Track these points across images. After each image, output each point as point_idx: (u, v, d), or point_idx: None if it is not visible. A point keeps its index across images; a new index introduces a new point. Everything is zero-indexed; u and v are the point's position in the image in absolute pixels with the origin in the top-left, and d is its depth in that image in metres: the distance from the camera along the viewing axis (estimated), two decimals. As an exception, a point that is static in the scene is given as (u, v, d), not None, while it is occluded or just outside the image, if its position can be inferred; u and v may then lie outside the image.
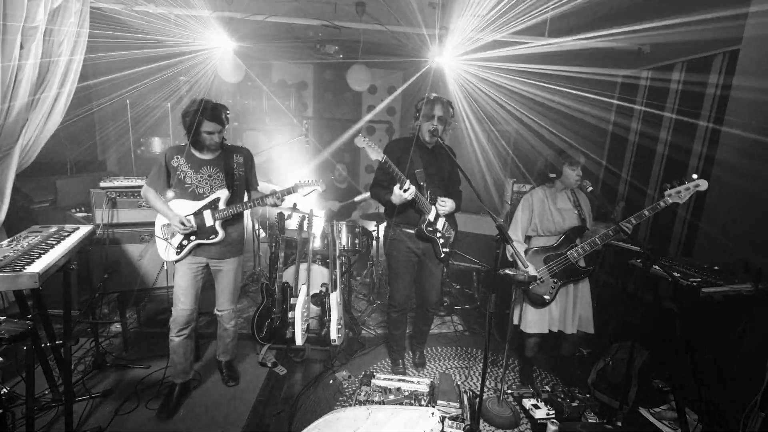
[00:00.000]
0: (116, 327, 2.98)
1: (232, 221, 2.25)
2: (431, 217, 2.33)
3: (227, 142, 2.23)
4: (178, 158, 2.11)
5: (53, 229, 2.12)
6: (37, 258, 1.66)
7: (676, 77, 3.08)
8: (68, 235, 2.02)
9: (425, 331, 2.75)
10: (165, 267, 2.41)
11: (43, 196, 3.13)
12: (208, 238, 2.16)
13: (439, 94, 2.35)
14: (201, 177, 2.13)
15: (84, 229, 2.16)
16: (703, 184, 2.05)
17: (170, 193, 2.16)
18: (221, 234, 2.17)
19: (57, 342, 2.03)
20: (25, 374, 1.84)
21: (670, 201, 2.08)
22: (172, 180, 2.14)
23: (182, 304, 2.18)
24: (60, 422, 2.02)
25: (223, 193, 2.15)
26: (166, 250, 2.18)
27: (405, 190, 2.16)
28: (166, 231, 2.18)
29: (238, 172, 2.22)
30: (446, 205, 2.36)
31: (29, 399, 1.84)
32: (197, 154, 2.14)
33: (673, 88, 3.11)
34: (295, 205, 3.60)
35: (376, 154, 2.16)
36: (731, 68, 2.59)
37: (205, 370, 2.58)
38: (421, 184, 2.31)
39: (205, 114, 1.98)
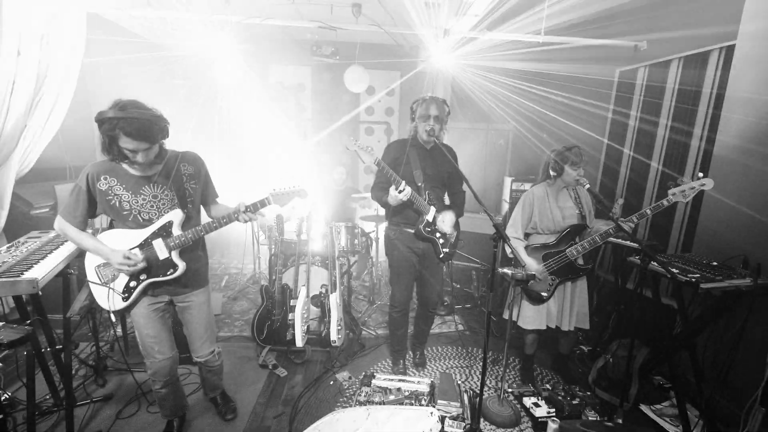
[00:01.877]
0: (117, 331, 2.98)
1: (193, 248, 1.81)
2: (429, 217, 2.33)
3: (169, 148, 1.73)
4: (107, 179, 1.60)
5: (52, 234, 2.13)
6: (36, 263, 1.67)
7: (673, 73, 3.08)
8: (67, 241, 2.02)
9: (426, 331, 2.75)
10: (112, 317, 1.75)
11: (43, 201, 3.13)
12: (165, 274, 1.72)
13: (434, 94, 2.35)
14: (143, 199, 1.66)
15: (83, 234, 2.16)
16: (709, 183, 2.05)
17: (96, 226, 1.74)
18: (181, 267, 1.73)
19: (57, 347, 2.04)
20: (26, 379, 1.86)
21: (674, 200, 2.08)
22: (100, 208, 1.66)
23: (159, 354, 1.80)
24: (61, 427, 2.03)
25: (176, 215, 1.70)
26: (109, 297, 1.70)
27: (400, 191, 2.15)
28: (105, 273, 1.70)
29: (189, 186, 1.77)
30: (446, 221, 2.38)
31: (30, 404, 1.85)
32: (131, 170, 1.64)
33: (670, 83, 3.11)
34: (290, 209, 3.62)
35: (368, 158, 2.11)
36: (728, 63, 2.59)
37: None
38: (419, 184, 2.31)
39: (121, 126, 1.45)
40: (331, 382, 2.56)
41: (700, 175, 2.06)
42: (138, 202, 1.66)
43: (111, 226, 1.73)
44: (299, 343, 2.69)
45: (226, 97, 4.91)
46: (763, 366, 1.89)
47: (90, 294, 1.76)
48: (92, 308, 2.58)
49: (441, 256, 2.42)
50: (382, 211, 3.71)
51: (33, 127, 2.64)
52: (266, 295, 2.88)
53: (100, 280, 1.71)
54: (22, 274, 1.55)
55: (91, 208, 1.65)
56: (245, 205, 1.77)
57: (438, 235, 2.39)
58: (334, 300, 2.76)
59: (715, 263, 2.17)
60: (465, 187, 2.40)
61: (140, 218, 1.67)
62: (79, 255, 2.22)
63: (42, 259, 1.73)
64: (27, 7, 2.39)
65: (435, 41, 3.62)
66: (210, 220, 1.80)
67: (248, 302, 3.76)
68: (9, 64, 2.36)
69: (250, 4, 3.51)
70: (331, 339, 2.72)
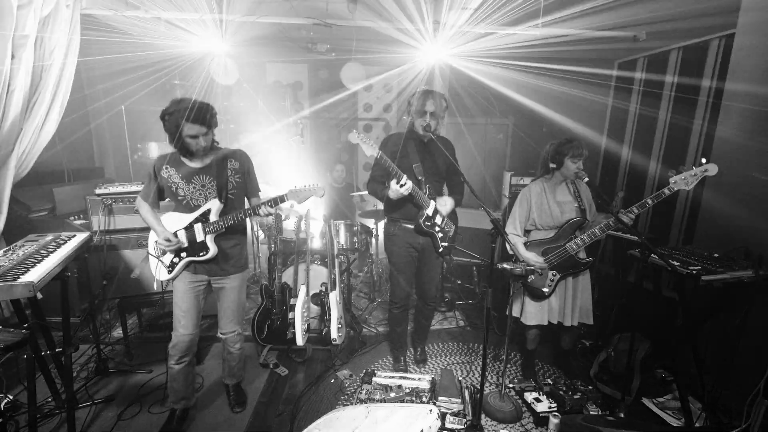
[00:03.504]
0: (118, 332, 2.99)
1: (228, 234, 2.02)
2: (429, 211, 2.32)
3: (220, 146, 2.02)
4: (167, 168, 1.92)
5: (50, 237, 2.12)
6: (32, 267, 1.67)
7: (672, 63, 3.05)
8: (64, 243, 2.02)
9: (426, 326, 2.74)
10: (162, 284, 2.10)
11: (42, 204, 3.14)
12: (198, 255, 1.96)
13: (430, 87, 2.33)
14: (193, 187, 1.93)
15: (80, 237, 2.16)
16: (712, 169, 1.98)
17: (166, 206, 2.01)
18: (212, 250, 1.96)
19: (57, 350, 2.04)
20: (26, 383, 1.87)
21: (675, 188, 2.02)
22: (165, 193, 1.97)
23: (183, 328, 2.00)
24: (63, 429, 2.03)
25: (213, 204, 1.94)
26: (157, 268, 2.02)
27: (402, 185, 2.13)
28: (158, 248, 2.00)
29: (233, 179, 2.01)
30: (447, 205, 2.37)
31: (31, 407, 1.85)
32: (187, 162, 1.94)
33: (669, 74, 3.07)
34: (292, 205, 3.60)
35: (371, 150, 2.11)
36: (728, 52, 2.56)
37: (206, 373, 2.59)
38: (420, 178, 2.30)
39: (185, 115, 1.76)
40: (332, 381, 2.56)
41: (703, 161, 2.01)
42: (189, 189, 1.93)
43: (175, 209, 2.00)
44: (300, 341, 2.69)
45: (223, 96, 4.90)
46: (766, 357, 1.88)
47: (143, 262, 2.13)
48: (93, 311, 2.59)
49: (440, 250, 2.41)
50: (381, 208, 3.69)
51: (29, 129, 2.63)
52: (266, 294, 2.87)
53: (155, 252, 2.01)
54: (19, 278, 1.55)
55: (159, 191, 1.97)
56: (265, 200, 1.96)
57: (437, 229, 2.38)
58: (334, 298, 2.75)
59: (716, 255, 2.15)
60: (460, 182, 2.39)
61: (191, 204, 1.94)
62: (77, 258, 2.23)
63: (39, 262, 1.73)
64: (20, 9, 2.37)
65: (432, 35, 3.58)
66: (238, 210, 1.99)
67: (249, 301, 3.76)
68: (3, 66, 2.35)
69: (245, 2, 3.49)
70: (332, 337, 2.71)
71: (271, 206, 1.95)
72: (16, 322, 2.03)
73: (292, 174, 5.10)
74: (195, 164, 1.94)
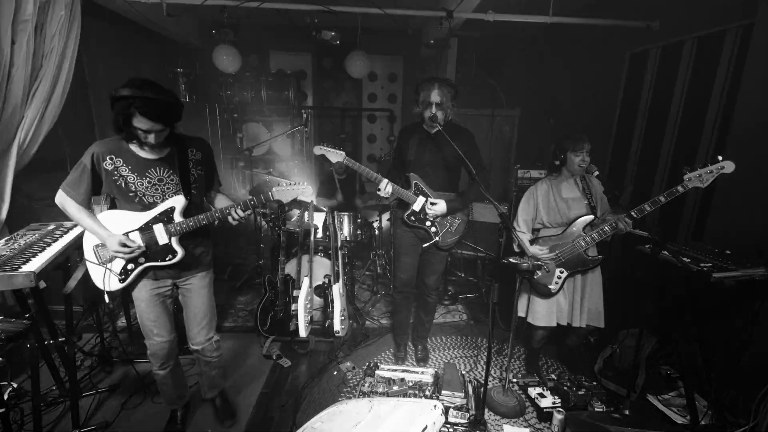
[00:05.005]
0: (121, 322, 3.00)
1: (194, 234, 1.76)
2: (416, 207, 2.29)
3: (178, 131, 1.68)
4: (112, 159, 1.56)
5: (51, 226, 2.11)
6: (34, 257, 1.65)
7: (686, 54, 2.96)
8: (66, 233, 2.01)
9: (426, 322, 2.69)
10: (105, 297, 1.73)
11: (44, 193, 3.11)
12: (163, 260, 1.70)
13: (437, 75, 2.27)
14: (148, 182, 1.62)
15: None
16: (729, 166, 1.91)
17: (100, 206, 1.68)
18: (180, 253, 1.70)
19: (60, 339, 2.04)
20: (30, 372, 1.87)
21: (690, 186, 1.95)
22: (105, 187, 1.62)
23: (158, 336, 1.80)
24: (67, 417, 2.05)
25: (178, 201, 1.66)
26: (105, 277, 1.68)
27: (379, 190, 2.22)
28: (103, 253, 1.67)
29: (195, 171, 1.73)
30: (435, 208, 2.27)
31: (35, 396, 1.86)
32: (139, 151, 1.60)
33: (683, 65, 2.98)
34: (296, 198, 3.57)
35: (335, 157, 2.20)
36: (745, 43, 2.47)
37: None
38: (407, 174, 2.31)
39: (137, 106, 1.41)
40: (335, 373, 2.56)
41: (719, 158, 1.95)
42: (143, 184, 1.62)
43: (113, 206, 1.69)
44: (303, 333, 2.68)
45: (227, 85, 4.84)
46: (776, 357, 1.85)
47: (86, 272, 1.75)
48: (96, 301, 2.59)
49: (426, 244, 2.37)
50: (384, 202, 3.66)
51: (30, 117, 2.60)
52: (269, 285, 2.86)
53: (98, 260, 1.67)
54: (20, 267, 1.53)
55: (95, 186, 1.61)
56: (245, 200, 1.73)
57: (428, 224, 2.34)
58: (337, 290, 2.74)
59: (728, 252, 2.11)
60: (465, 175, 2.34)
61: (145, 201, 1.64)
62: (79, 246, 2.22)
63: (40, 251, 1.72)
64: (19, -6, 2.32)
65: (439, 24, 3.50)
66: (213, 209, 1.76)
67: (253, 293, 3.76)
68: (4, 53, 2.31)
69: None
70: (335, 329, 2.71)
71: (252, 208, 1.74)
72: (20, 311, 2.03)
73: (296, 164, 5.08)
74: (149, 155, 1.62)
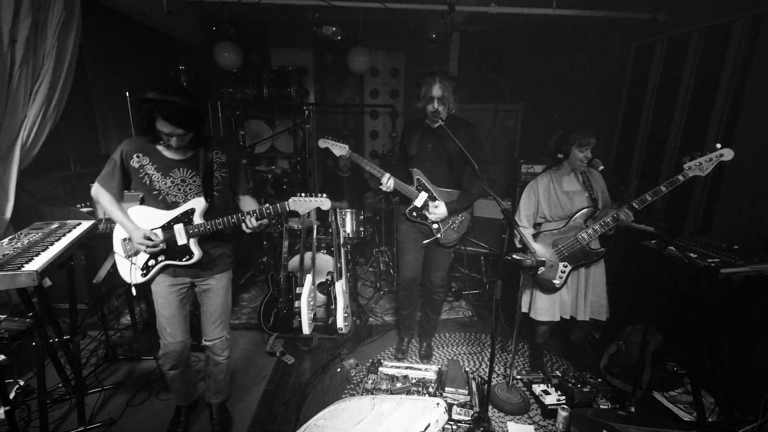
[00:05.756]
0: (126, 319, 3.01)
1: (215, 236, 1.79)
2: (418, 203, 2.29)
3: (206, 134, 1.75)
4: (139, 157, 1.63)
5: (55, 225, 2.11)
6: (36, 255, 1.65)
7: (693, 46, 2.90)
8: (69, 231, 2.00)
9: (432, 320, 2.69)
10: (132, 290, 1.80)
11: (48, 192, 3.14)
12: (180, 260, 1.74)
13: (437, 69, 2.25)
14: (171, 182, 1.67)
15: (85, 225, 2.14)
16: (728, 154, 1.90)
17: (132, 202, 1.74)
18: (197, 254, 1.73)
19: (65, 337, 2.05)
20: (36, 370, 1.88)
21: (690, 174, 1.94)
22: (134, 184, 1.69)
23: (170, 336, 1.82)
24: (74, 414, 2.06)
25: (198, 203, 1.70)
26: (130, 271, 1.76)
27: (380, 184, 2.22)
28: (129, 247, 1.75)
29: (219, 174, 1.75)
30: (437, 212, 2.27)
31: (41, 393, 1.88)
32: (165, 152, 1.66)
33: (690, 58, 2.93)
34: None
35: (339, 150, 2.21)
36: (753, 34, 2.42)
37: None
38: (410, 170, 2.30)
39: (161, 110, 1.46)
40: (338, 370, 2.56)
41: (718, 145, 1.93)
42: (166, 183, 1.67)
43: (142, 202, 1.75)
44: (306, 330, 2.68)
45: (228, 82, 4.82)
46: (785, 353, 1.82)
47: (114, 264, 1.83)
48: (101, 299, 2.60)
49: (427, 240, 2.38)
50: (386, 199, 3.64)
51: (33, 115, 2.60)
52: (272, 282, 2.86)
53: (125, 253, 1.76)
54: (23, 266, 1.53)
55: (125, 180, 1.69)
56: (260, 208, 1.74)
57: (430, 220, 2.33)
58: (340, 287, 2.73)
59: (736, 247, 2.08)
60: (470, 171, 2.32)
61: (168, 200, 1.69)
62: (83, 246, 2.22)
63: (43, 251, 1.71)
64: (18, -8, 2.32)
65: (440, 18, 3.46)
66: (230, 215, 1.76)
67: (256, 290, 3.77)
68: (4, 52, 2.31)
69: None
70: (338, 326, 2.70)
71: (269, 217, 1.75)
72: (24, 309, 2.04)
73: (298, 162, 5.05)
74: (174, 155, 1.66)
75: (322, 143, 2.22)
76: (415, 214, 2.32)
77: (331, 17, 4.08)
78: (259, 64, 5.20)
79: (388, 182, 2.20)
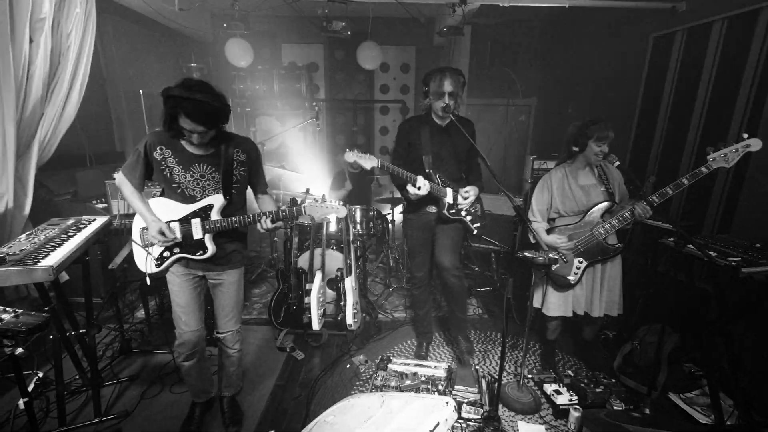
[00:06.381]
0: (141, 313, 3.07)
1: (229, 233, 1.83)
2: (449, 199, 2.27)
3: (228, 131, 1.78)
4: (162, 150, 1.67)
5: (71, 221, 2.15)
6: (53, 251, 1.69)
7: (715, 37, 2.79)
8: (84, 227, 2.05)
9: (458, 311, 2.53)
10: (147, 280, 1.86)
11: (65, 188, 3.21)
12: (194, 254, 1.77)
13: (446, 65, 2.22)
14: (191, 176, 1.71)
15: (100, 221, 2.18)
16: (756, 144, 1.82)
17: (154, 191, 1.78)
18: (211, 249, 1.77)
19: (81, 331, 2.10)
20: (53, 362, 1.93)
21: (714, 166, 1.86)
22: (155, 175, 1.74)
23: (185, 325, 1.85)
24: (90, 406, 2.11)
25: (217, 200, 1.73)
26: (146, 260, 1.81)
27: (419, 188, 2.11)
28: (146, 236, 1.79)
29: (238, 172, 1.78)
30: (469, 196, 2.28)
31: (59, 385, 1.94)
32: (187, 146, 1.70)
33: (711, 49, 2.82)
34: (308, 189, 3.58)
35: (369, 162, 2.09)
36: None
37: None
38: (428, 171, 2.23)
39: (183, 107, 1.50)
40: (348, 366, 2.56)
41: (745, 135, 1.84)
42: (186, 177, 1.71)
43: (163, 194, 1.80)
44: (316, 326, 2.69)
45: (239, 79, 4.85)
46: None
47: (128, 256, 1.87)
48: (115, 293, 2.66)
49: (474, 233, 2.39)
50: (398, 194, 3.63)
51: (50, 113, 2.66)
52: (282, 278, 2.88)
53: (142, 242, 1.81)
54: (39, 262, 1.57)
55: (148, 172, 1.74)
56: (277, 211, 1.77)
57: (464, 213, 2.32)
58: (350, 283, 2.73)
59: (758, 245, 2.00)
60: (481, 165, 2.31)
61: (186, 194, 1.73)
62: (98, 241, 2.26)
63: (59, 246, 1.75)
64: (35, -8, 2.36)
65: (452, 11, 3.40)
66: (247, 214, 1.80)
67: (267, 285, 3.80)
68: (23, 51, 2.35)
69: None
70: (348, 323, 2.70)
71: (283, 219, 1.78)
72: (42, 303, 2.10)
73: (309, 159, 5.07)
74: (196, 150, 1.70)
75: (350, 156, 2.11)
76: (453, 211, 2.30)
77: (341, 12, 4.06)
78: (270, 60, 5.21)
79: (425, 185, 2.10)
